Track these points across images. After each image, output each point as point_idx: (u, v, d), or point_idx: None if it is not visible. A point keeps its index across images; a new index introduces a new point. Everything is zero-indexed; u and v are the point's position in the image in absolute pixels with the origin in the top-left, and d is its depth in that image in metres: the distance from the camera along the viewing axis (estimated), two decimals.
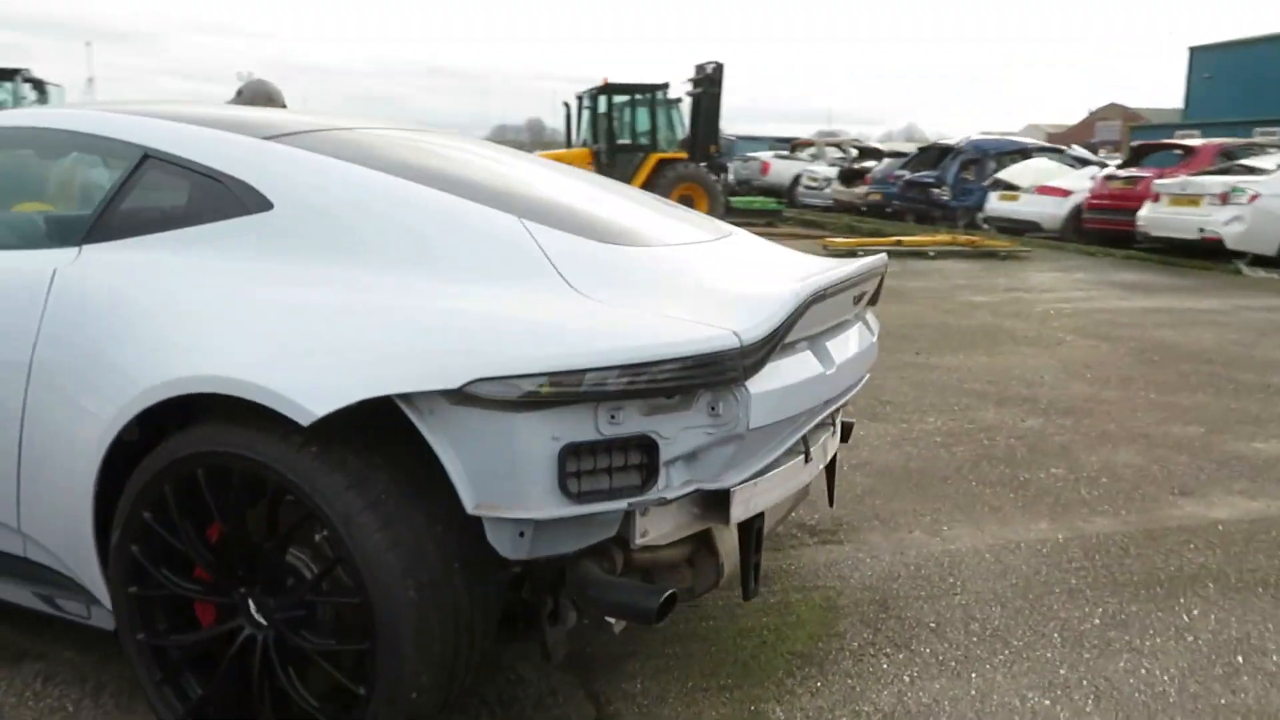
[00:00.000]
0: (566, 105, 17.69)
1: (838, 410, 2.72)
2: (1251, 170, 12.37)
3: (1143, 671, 2.63)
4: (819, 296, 2.14)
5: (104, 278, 2.23)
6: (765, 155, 26.44)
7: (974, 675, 2.60)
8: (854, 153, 23.94)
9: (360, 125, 2.71)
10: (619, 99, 16.72)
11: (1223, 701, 2.50)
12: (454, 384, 1.80)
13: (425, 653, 1.90)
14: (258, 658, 2.02)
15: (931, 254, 13.07)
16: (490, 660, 2.52)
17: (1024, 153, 17.64)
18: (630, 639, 2.69)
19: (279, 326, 1.98)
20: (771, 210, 18.58)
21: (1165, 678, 2.60)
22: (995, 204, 16.11)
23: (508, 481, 1.85)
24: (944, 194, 17.56)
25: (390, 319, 1.94)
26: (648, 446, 1.92)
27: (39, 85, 17.60)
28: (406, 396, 1.85)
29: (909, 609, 2.96)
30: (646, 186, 15.77)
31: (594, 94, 16.83)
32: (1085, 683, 2.57)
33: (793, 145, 28.10)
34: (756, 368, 1.97)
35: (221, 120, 2.47)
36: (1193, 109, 39.39)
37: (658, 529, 2.07)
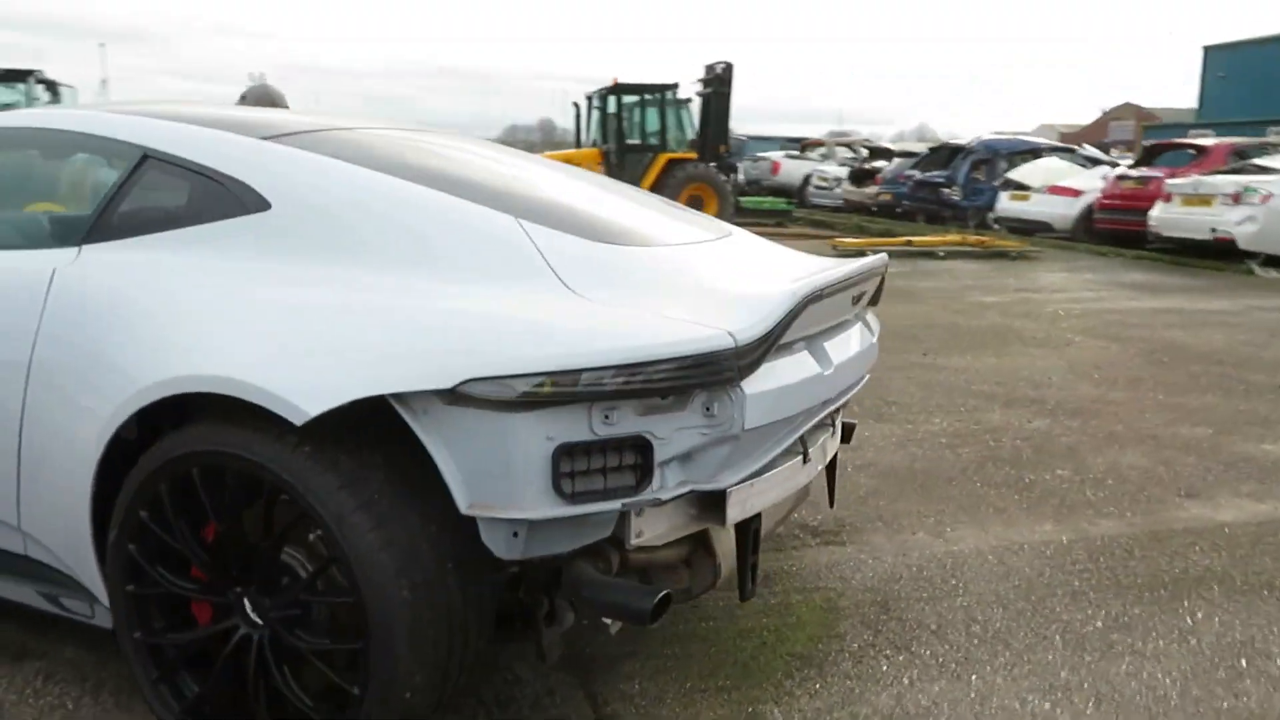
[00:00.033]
0: (576, 106, 17.71)
1: (838, 411, 2.71)
2: (1265, 170, 12.28)
3: (1145, 675, 2.61)
4: (816, 297, 2.13)
5: (103, 277, 2.24)
6: (775, 155, 26.39)
7: (974, 677, 2.58)
8: (864, 153, 23.88)
9: (360, 125, 2.72)
10: (628, 99, 16.73)
11: (1225, 705, 2.49)
12: (447, 384, 1.80)
13: (419, 652, 1.90)
14: (253, 657, 2.02)
15: (941, 254, 13.03)
16: (488, 660, 2.52)
17: (1035, 152, 17.56)
18: (629, 639, 2.68)
19: (274, 326, 1.98)
20: (781, 210, 18.56)
21: (1167, 681, 2.58)
22: (1006, 204, 16.04)
23: (501, 482, 1.85)
24: (954, 194, 17.51)
25: (385, 319, 1.94)
26: (642, 447, 1.92)
27: (52, 86, 17.70)
28: (401, 396, 1.85)
29: (910, 610, 2.95)
30: (656, 186, 15.76)
31: (603, 94, 16.84)
32: (1086, 686, 2.55)
33: (803, 145, 28.04)
34: (752, 368, 1.97)
35: (221, 120, 2.48)
36: (1207, 108, 39.18)
37: (653, 530, 2.06)
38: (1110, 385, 5.88)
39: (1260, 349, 7.06)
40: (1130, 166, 15.11)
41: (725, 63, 16.30)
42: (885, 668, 2.63)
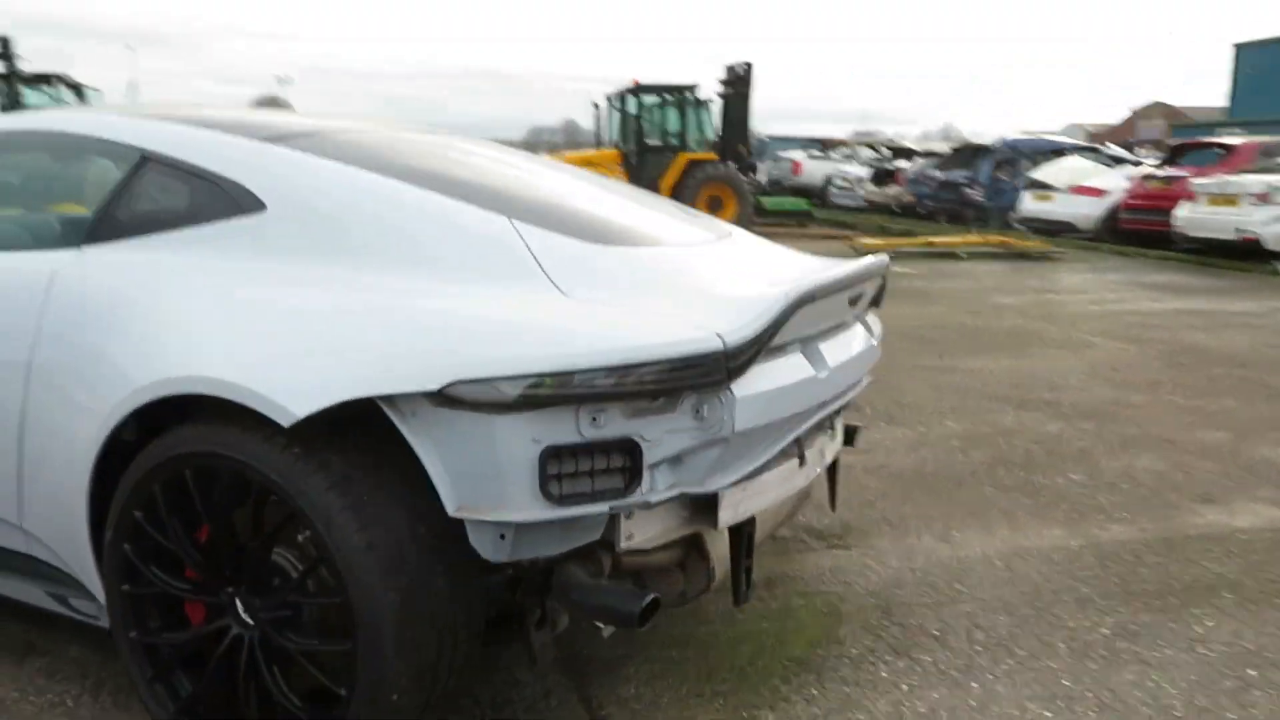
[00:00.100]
0: (596, 106, 17.70)
1: (838, 413, 2.69)
2: None
3: (1150, 684, 2.57)
4: (808, 299, 2.11)
5: (103, 278, 2.26)
6: (797, 155, 26.30)
7: (974, 685, 2.55)
8: (887, 153, 23.75)
9: (360, 127, 2.72)
10: (649, 100, 16.69)
11: (1232, 716, 2.44)
12: (434, 385, 1.80)
13: (406, 654, 1.90)
14: (244, 657, 2.03)
15: (963, 255, 12.94)
16: (487, 662, 2.52)
17: (1059, 152, 17.41)
18: (628, 642, 2.67)
19: (264, 328, 1.98)
20: (801, 211, 18.48)
21: (1173, 690, 2.54)
22: (1029, 204, 15.91)
23: (489, 484, 1.84)
24: (977, 194, 17.39)
25: (375, 320, 1.94)
26: (630, 449, 1.91)
27: (77, 89, 17.86)
28: (389, 398, 1.85)
29: (912, 616, 2.92)
30: (676, 187, 15.73)
31: (623, 95, 16.81)
32: (1089, 694, 2.52)
33: (825, 145, 27.93)
34: (741, 370, 1.95)
35: (219, 122, 2.49)
36: (1238, 107, 38.64)
37: (644, 532, 2.06)
38: (1128, 388, 5.81)
39: None
40: (1156, 166, 14.94)
41: (746, 63, 16.24)
42: (884, 674, 2.60)
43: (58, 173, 2.74)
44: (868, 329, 2.71)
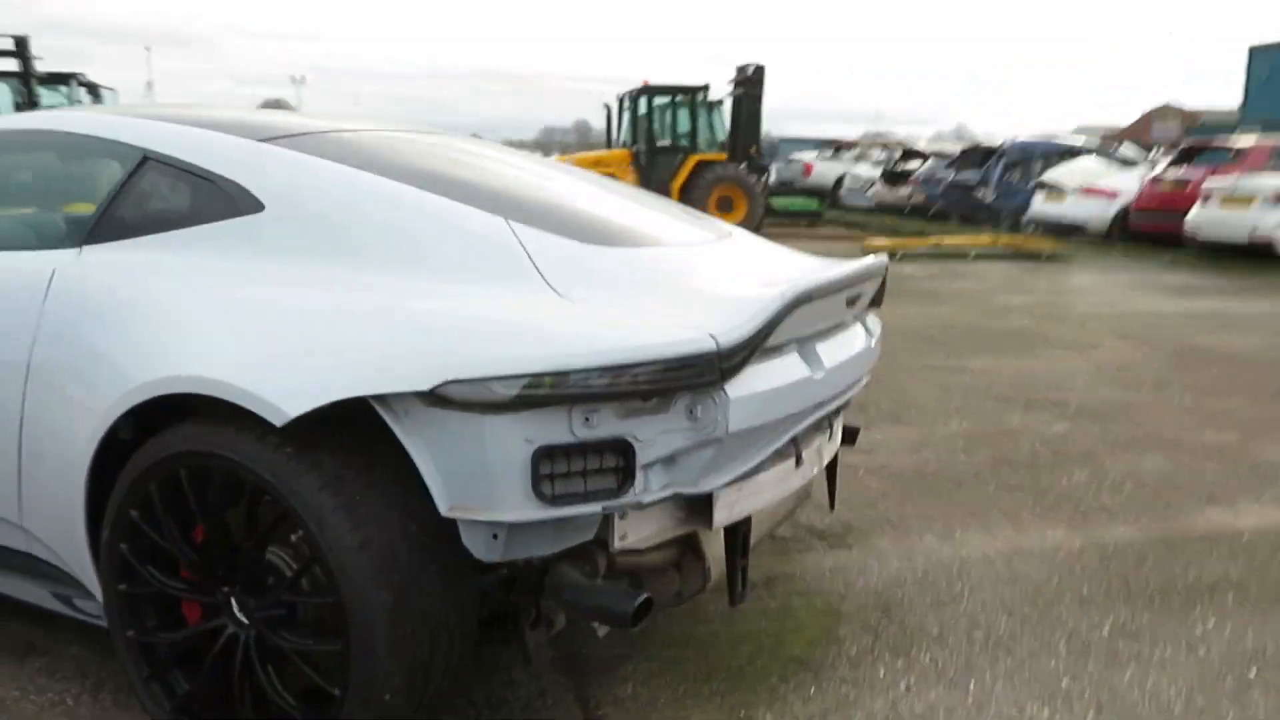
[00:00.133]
0: (607, 107, 17.72)
1: (836, 414, 2.69)
2: None
3: (1149, 684, 2.56)
4: (804, 300, 2.11)
5: (103, 278, 2.27)
6: (808, 156, 26.27)
7: (972, 684, 2.55)
8: (898, 154, 23.70)
9: (359, 128, 2.73)
10: (659, 101, 16.71)
11: (1231, 716, 2.43)
12: (426, 385, 1.81)
13: (399, 653, 1.90)
14: (239, 656, 2.04)
15: (972, 255, 12.91)
16: (483, 662, 2.52)
17: (1070, 153, 17.33)
18: (625, 642, 2.68)
19: (259, 328, 1.99)
20: (811, 211, 18.45)
21: (1172, 690, 2.53)
22: (1040, 205, 15.87)
23: (481, 484, 1.85)
24: (987, 195, 17.34)
25: (369, 321, 1.95)
26: (624, 449, 1.91)
27: (93, 89, 17.97)
28: (382, 397, 1.86)
29: (912, 615, 2.92)
30: (686, 188, 15.75)
31: (634, 96, 16.84)
32: (1088, 694, 2.51)
33: (836, 146, 27.87)
34: (735, 371, 1.95)
35: (220, 123, 2.50)
36: (1251, 109, 38.36)
37: (638, 532, 2.06)
38: (1136, 388, 5.78)
39: None
40: (1167, 167, 14.86)
41: (757, 65, 16.23)
42: (883, 673, 2.60)
43: (59, 172, 2.77)
44: (866, 330, 2.70)
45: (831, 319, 2.42)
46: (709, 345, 1.90)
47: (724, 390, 1.95)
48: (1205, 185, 12.76)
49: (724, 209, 15.60)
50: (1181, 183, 13.71)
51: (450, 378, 1.80)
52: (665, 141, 16.59)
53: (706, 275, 2.33)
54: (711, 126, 16.85)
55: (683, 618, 2.82)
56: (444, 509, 1.87)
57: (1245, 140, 14.71)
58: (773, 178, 21.10)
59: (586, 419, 1.87)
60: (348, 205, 2.22)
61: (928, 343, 6.81)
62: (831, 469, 2.90)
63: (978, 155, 18.61)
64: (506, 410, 1.82)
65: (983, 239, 13.87)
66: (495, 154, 2.97)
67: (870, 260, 2.57)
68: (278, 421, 1.84)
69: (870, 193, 21.76)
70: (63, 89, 17.81)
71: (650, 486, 1.96)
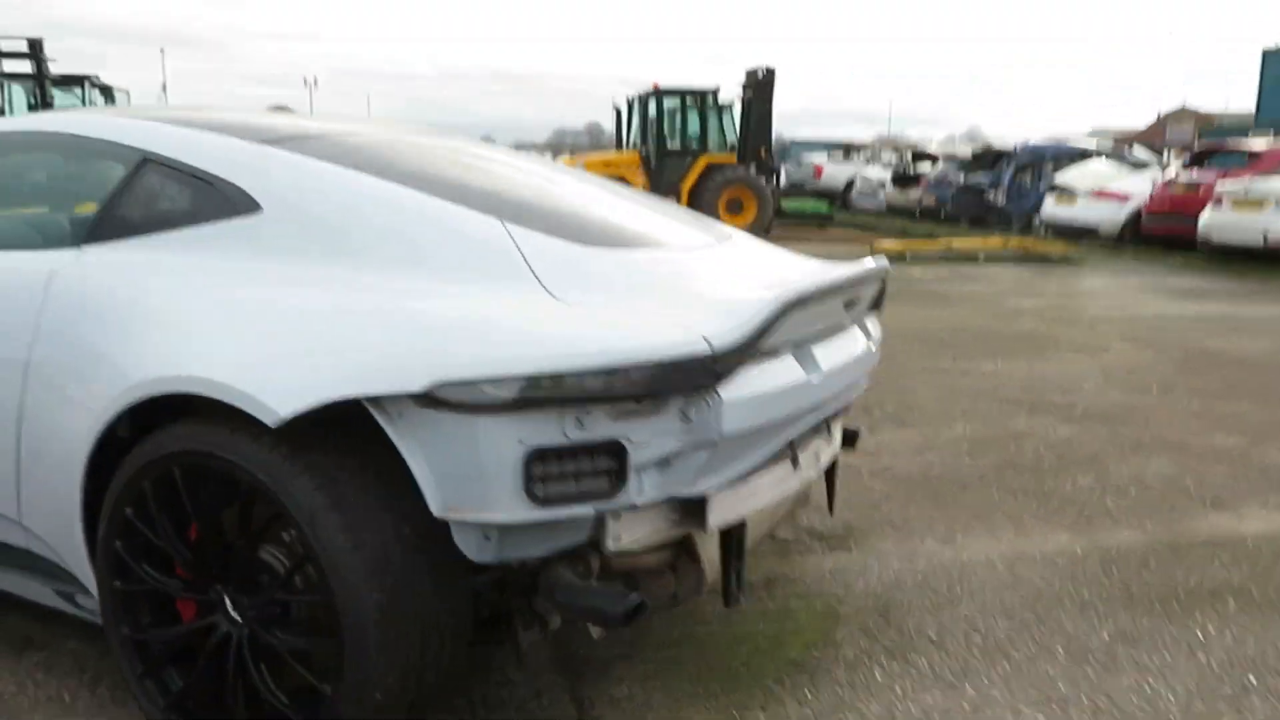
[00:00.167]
0: (617, 110, 17.74)
1: (835, 417, 2.68)
2: None
3: (1147, 689, 2.55)
4: (799, 303, 2.10)
5: (102, 278, 2.28)
6: (819, 158, 26.25)
7: (969, 688, 2.54)
8: (909, 156, 23.64)
9: (359, 130, 2.74)
10: (669, 103, 16.72)
11: None
12: (418, 387, 1.81)
13: (390, 653, 1.91)
14: (232, 655, 2.05)
15: (982, 258, 12.86)
16: (479, 662, 2.53)
17: (1082, 155, 17.25)
18: (623, 642, 2.68)
19: (254, 328, 2.00)
20: (821, 214, 18.42)
21: (1170, 696, 2.52)
22: (1052, 208, 15.79)
23: (473, 485, 1.85)
24: (998, 198, 17.27)
25: (363, 321, 1.96)
26: (616, 451, 1.91)
27: (106, 91, 18.09)
28: (375, 398, 1.86)
29: (910, 618, 2.91)
30: (695, 190, 15.76)
31: (644, 98, 16.85)
32: (1085, 699, 2.50)
33: (847, 149, 27.84)
34: (729, 373, 1.95)
35: (219, 124, 2.52)
36: (1265, 111, 38.12)
37: (632, 534, 2.06)
38: (1144, 392, 5.75)
39: None
40: (1179, 170, 14.78)
41: (767, 68, 16.23)
42: (879, 676, 2.59)
43: (60, 173, 2.78)
44: (866, 333, 2.70)
45: (829, 322, 2.41)
46: (702, 348, 1.90)
47: (717, 393, 1.95)
48: (1218, 188, 12.68)
49: (733, 211, 15.61)
50: (1194, 186, 13.62)
51: (443, 379, 1.81)
52: (675, 144, 16.60)
53: (703, 278, 2.33)
54: (722, 129, 16.86)
55: (680, 619, 2.81)
56: (436, 510, 1.87)
57: (1258, 143, 14.61)
58: (783, 180, 21.11)
59: (579, 421, 1.87)
60: (344, 207, 2.22)
61: (935, 345, 6.79)
62: (831, 472, 2.90)
63: (989, 158, 18.54)
64: (499, 412, 1.82)
65: (993, 242, 13.82)
66: (495, 156, 2.97)
67: (869, 263, 2.56)
68: (271, 422, 1.85)
69: (881, 195, 21.71)
70: (76, 91, 17.93)
71: (643, 488, 1.96)
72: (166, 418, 2.11)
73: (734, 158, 16.27)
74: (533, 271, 2.10)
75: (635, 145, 17.06)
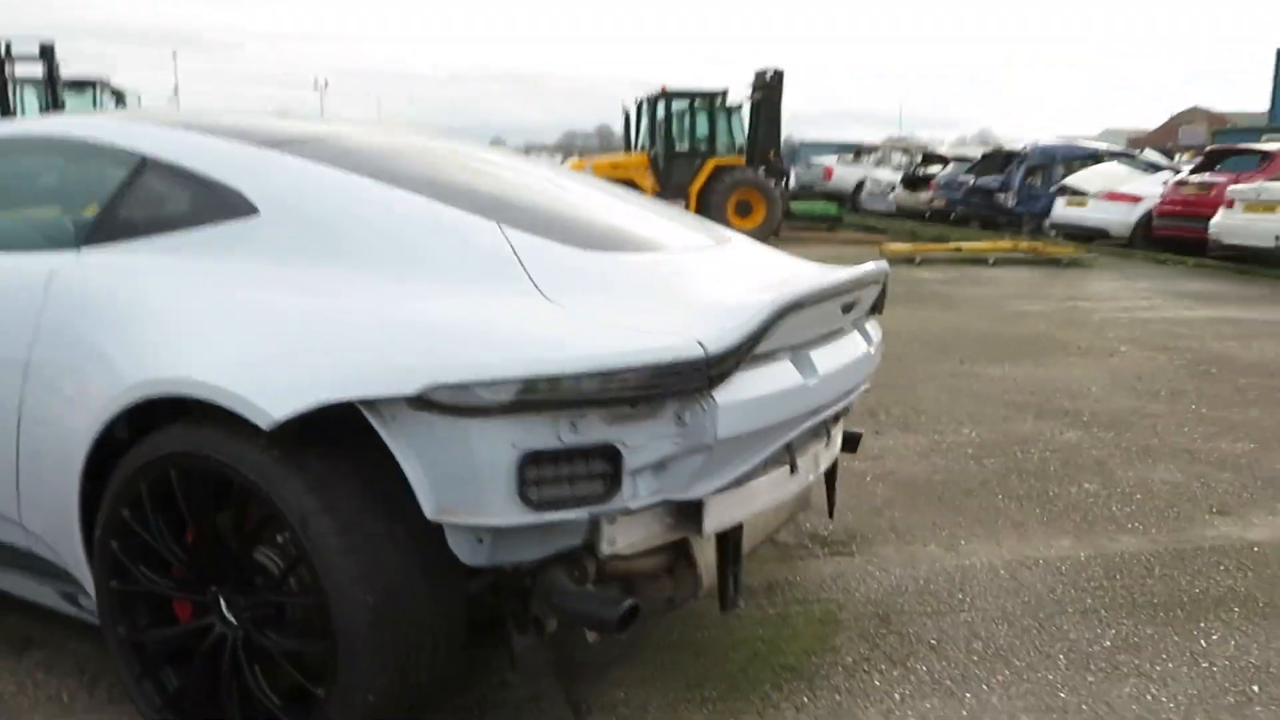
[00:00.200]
0: (626, 112, 17.73)
1: (835, 421, 2.67)
2: None
3: (1148, 698, 2.53)
4: (795, 306, 2.09)
5: (101, 279, 2.29)
6: (829, 160, 26.19)
7: (968, 695, 2.52)
8: (919, 158, 23.58)
9: (358, 132, 2.75)
10: (678, 105, 16.71)
11: None
12: (412, 390, 1.81)
13: (382, 656, 1.91)
14: (226, 656, 2.05)
15: (991, 261, 12.81)
16: (475, 665, 2.52)
17: (1093, 157, 17.17)
18: (620, 646, 2.67)
19: (249, 331, 2.00)
20: (831, 216, 18.39)
21: (1171, 705, 2.50)
22: (1062, 210, 15.72)
23: (467, 488, 1.85)
24: (1008, 200, 17.21)
25: (356, 324, 1.96)
26: (611, 455, 1.91)
27: (118, 94, 18.20)
28: (369, 401, 1.86)
29: (911, 624, 2.89)
30: (704, 192, 15.74)
31: (653, 100, 16.84)
32: (1085, 707, 2.48)
33: (856, 150, 27.77)
34: (724, 377, 1.94)
35: (218, 127, 2.52)
36: (1278, 112, 37.90)
37: (627, 538, 2.05)
38: (1151, 397, 5.72)
39: None
40: (1190, 171, 14.70)
41: (776, 70, 16.20)
42: (877, 683, 2.58)
43: (60, 176, 2.79)
44: (865, 336, 2.69)
45: (827, 325, 2.40)
46: (697, 352, 1.89)
47: (712, 397, 1.94)
48: (1229, 191, 12.61)
49: (742, 213, 15.58)
50: (1205, 188, 13.55)
51: (437, 382, 1.80)
52: (684, 146, 16.59)
53: (700, 281, 2.32)
54: (730, 131, 16.83)
55: (678, 623, 2.81)
56: (430, 513, 1.87)
57: (1271, 145, 14.52)
58: (793, 182, 21.07)
59: (573, 424, 1.86)
60: (340, 210, 2.22)
61: (941, 349, 6.76)
62: (831, 476, 2.89)
63: (999, 160, 18.48)
64: (492, 415, 1.82)
65: (1003, 244, 13.76)
66: (493, 158, 2.97)
67: (869, 266, 2.55)
68: (264, 425, 1.85)
69: (891, 197, 21.66)
70: (88, 93, 18.03)
71: (638, 492, 1.96)
72: (164, 419, 2.12)
73: (743, 160, 16.24)
74: (528, 274, 2.10)
75: (644, 147, 17.06)
